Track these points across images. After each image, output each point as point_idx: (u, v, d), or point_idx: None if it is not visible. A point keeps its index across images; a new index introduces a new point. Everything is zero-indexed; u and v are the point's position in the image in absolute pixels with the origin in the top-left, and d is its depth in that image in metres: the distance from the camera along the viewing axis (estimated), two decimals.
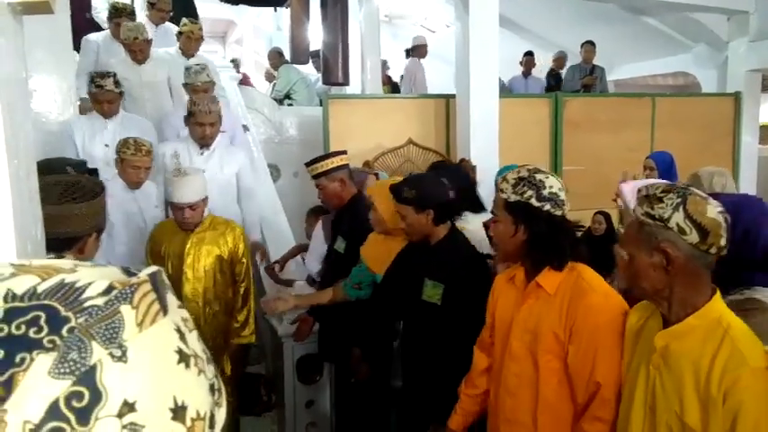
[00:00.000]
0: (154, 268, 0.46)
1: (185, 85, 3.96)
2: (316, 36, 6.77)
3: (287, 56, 7.31)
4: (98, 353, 0.39)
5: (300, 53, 6.60)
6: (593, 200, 4.58)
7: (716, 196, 1.46)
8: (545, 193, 1.67)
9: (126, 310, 0.41)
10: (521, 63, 8.00)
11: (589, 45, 7.47)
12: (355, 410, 3.06)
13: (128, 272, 0.45)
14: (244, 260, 3.07)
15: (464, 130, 5.06)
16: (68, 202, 1.74)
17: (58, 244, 1.71)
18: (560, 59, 8.18)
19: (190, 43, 4.75)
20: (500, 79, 7.76)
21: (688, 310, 1.35)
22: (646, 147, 5.75)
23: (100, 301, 0.40)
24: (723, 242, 1.31)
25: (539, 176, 1.70)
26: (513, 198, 1.69)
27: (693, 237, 1.29)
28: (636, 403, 1.45)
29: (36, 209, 1.37)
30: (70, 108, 4.16)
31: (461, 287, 2.17)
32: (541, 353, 1.67)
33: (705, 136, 6.27)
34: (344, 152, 3.04)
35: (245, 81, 7.02)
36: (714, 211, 1.31)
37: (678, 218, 1.29)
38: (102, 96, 3.58)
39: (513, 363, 1.75)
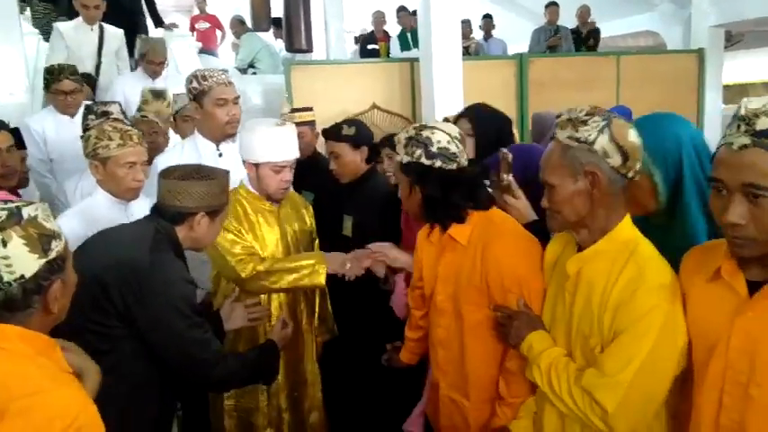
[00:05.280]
0: None
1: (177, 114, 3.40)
2: (277, 3, 6.62)
3: (249, 24, 7.16)
4: None
5: (261, 19, 6.46)
6: None
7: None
8: (433, 149, 1.66)
9: None
10: (480, 27, 7.97)
11: (553, 6, 7.45)
12: None
13: None
14: (316, 240, 2.54)
15: (428, 94, 5.00)
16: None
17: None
18: (584, 13, 7.63)
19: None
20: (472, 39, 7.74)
21: (602, 234, 1.36)
22: (611, 105, 5.73)
23: None
24: (638, 166, 1.33)
25: (425, 133, 1.68)
26: (406, 159, 1.70)
27: (616, 160, 1.30)
28: (557, 333, 1.46)
29: None
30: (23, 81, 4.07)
31: (370, 220, 2.38)
32: (464, 304, 1.68)
33: (670, 94, 6.27)
34: None
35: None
36: (634, 134, 1.31)
37: (603, 140, 1.29)
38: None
39: (440, 316, 1.78)
